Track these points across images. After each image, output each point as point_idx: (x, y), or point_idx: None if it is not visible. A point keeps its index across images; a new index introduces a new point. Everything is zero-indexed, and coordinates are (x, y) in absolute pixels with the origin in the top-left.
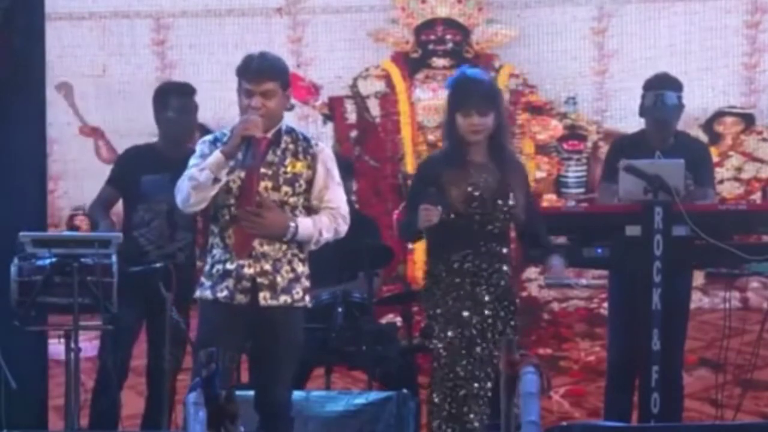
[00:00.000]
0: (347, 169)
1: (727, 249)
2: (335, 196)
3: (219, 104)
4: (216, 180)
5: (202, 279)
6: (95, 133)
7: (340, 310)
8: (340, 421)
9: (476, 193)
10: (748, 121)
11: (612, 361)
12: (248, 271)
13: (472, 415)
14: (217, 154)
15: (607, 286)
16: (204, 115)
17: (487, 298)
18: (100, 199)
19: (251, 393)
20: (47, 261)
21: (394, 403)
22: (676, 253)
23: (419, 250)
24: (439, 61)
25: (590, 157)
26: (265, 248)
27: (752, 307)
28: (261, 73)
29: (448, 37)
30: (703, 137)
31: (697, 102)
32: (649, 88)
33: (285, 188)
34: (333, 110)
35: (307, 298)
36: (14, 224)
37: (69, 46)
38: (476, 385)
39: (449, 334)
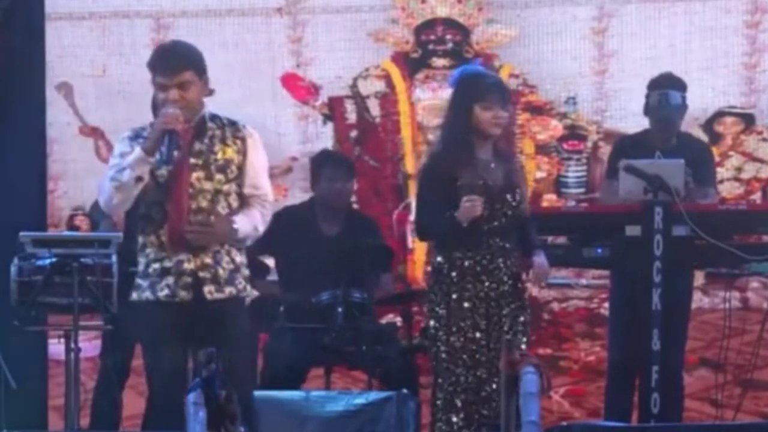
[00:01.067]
0: (348, 169)
1: (727, 249)
2: (264, 183)
3: (219, 104)
4: (139, 179)
5: (138, 280)
6: (95, 133)
7: (340, 310)
8: (340, 421)
9: (488, 188)
10: (748, 121)
11: (612, 361)
12: (189, 266)
13: (476, 418)
14: (137, 152)
15: (608, 286)
16: None
17: (491, 295)
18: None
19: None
20: (47, 261)
21: (394, 403)
22: (676, 253)
23: (419, 250)
24: (439, 61)
25: (590, 157)
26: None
27: (752, 307)
28: (175, 65)
29: (448, 37)
30: (703, 137)
31: (697, 102)
32: (654, 88)
33: (218, 176)
34: (333, 110)
35: (248, 288)
36: (14, 224)
37: (69, 46)
38: (481, 388)
39: (452, 339)
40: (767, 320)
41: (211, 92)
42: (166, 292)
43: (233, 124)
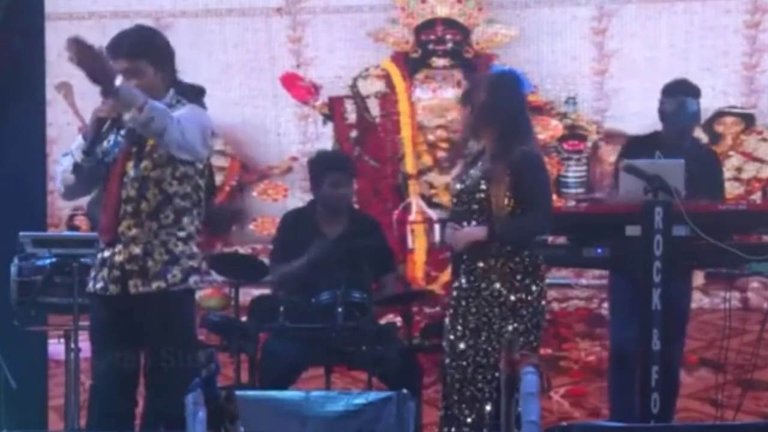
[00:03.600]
0: (350, 171)
1: (727, 249)
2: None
3: (219, 104)
4: (77, 165)
5: (92, 271)
6: None
7: (340, 310)
8: (340, 421)
9: (457, 188)
10: (748, 121)
11: (614, 360)
12: (118, 258)
13: (458, 417)
14: (78, 138)
15: (608, 286)
16: None
17: (479, 296)
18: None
19: (251, 393)
20: (47, 261)
21: (394, 403)
22: (676, 253)
23: (419, 250)
24: (439, 61)
25: (590, 157)
26: (134, 231)
27: (752, 307)
28: (125, 51)
29: (448, 37)
30: (703, 137)
31: None
32: (670, 94)
33: (145, 162)
34: (333, 110)
35: (192, 279)
36: (14, 224)
37: None
38: (466, 387)
39: (449, 338)
40: (767, 320)
41: (174, 83)
42: (101, 284)
43: (173, 106)
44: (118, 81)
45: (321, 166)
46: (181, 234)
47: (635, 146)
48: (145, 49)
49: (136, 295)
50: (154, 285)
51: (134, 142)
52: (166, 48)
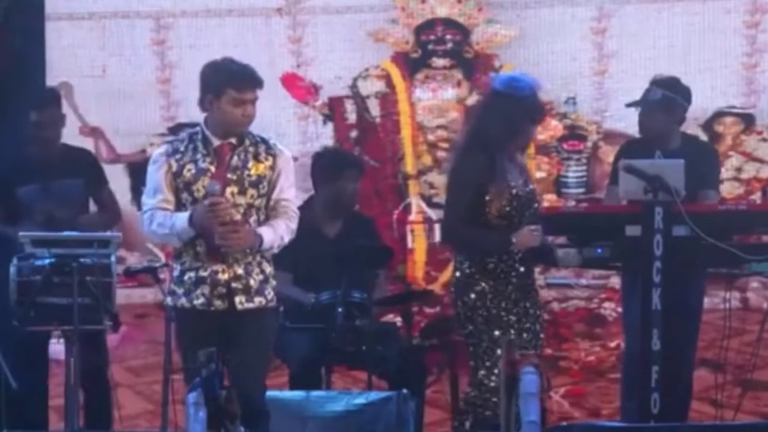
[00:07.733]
0: (362, 171)
1: (727, 249)
2: (290, 195)
3: None
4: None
5: (173, 287)
6: (95, 133)
7: (340, 310)
8: (340, 421)
9: (518, 196)
10: (748, 121)
11: (629, 361)
12: (223, 276)
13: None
14: (185, 227)
15: (608, 286)
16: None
17: (515, 297)
18: None
19: None
20: (46, 261)
21: (394, 403)
22: (676, 253)
23: (419, 250)
24: (439, 61)
25: (590, 157)
26: (237, 254)
27: (752, 307)
28: (254, 81)
29: (448, 37)
30: (703, 137)
31: (697, 102)
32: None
33: (251, 191)
34: (333, 110)
35: (275, 298)
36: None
37: (69, 46)
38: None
39: (495, 333)
40: (767, 320)
41: None
42: (201, 300)
43: (265, 141)
44: (261, 237)
45: (339, 163)
46: (268, 255)
47: (631, 148)
48: (260, 78)
49: (241, 310)
50: (257, 300)
51: (233, 169)
52: None
